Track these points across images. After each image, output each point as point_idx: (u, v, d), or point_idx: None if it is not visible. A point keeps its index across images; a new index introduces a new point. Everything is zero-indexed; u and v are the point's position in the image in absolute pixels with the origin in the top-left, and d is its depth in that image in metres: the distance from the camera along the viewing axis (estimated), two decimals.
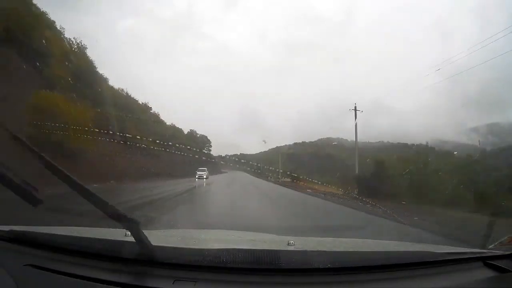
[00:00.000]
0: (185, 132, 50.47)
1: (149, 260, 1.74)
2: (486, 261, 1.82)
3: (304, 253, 2.08)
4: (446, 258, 1.80)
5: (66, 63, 24.71)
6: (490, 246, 1.91)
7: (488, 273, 1.78)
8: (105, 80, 31.78)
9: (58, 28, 28.34)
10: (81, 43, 28.45)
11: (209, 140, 56.56)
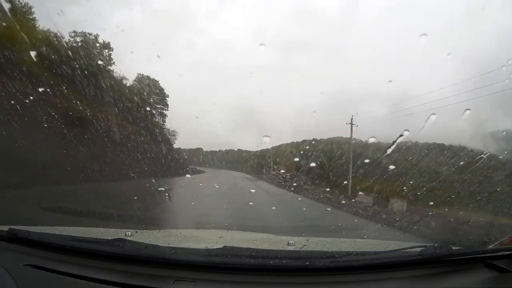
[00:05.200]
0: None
1: (149, 260, 1.74)
2: (486, 261, 1.82)
3: (304, 253, 2.08)
4: (447, 259, 1.80)
5: None
6: (490, 246, 1.91)
7: (489, 273, 1.78)
8: None
9: None
10: None
11: (164, 93, 31.02)
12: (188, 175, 21.98)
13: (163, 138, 27.28)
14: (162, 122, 32.73)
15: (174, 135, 34.38)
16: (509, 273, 1.73)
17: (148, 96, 29.80)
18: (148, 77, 30.19)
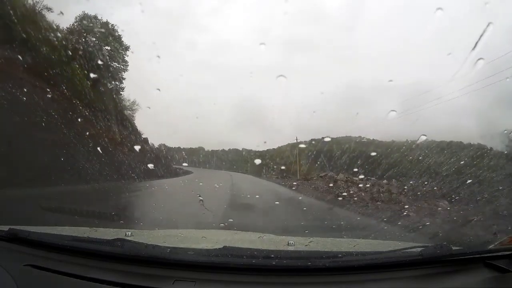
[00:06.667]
0: None
1: (149, 260, 1.74)
2: (486, 261, 1.82)
3: (304, 253, 2.08)
4: (447, 259, 1.80)
5: None
6: (490, 247, 1.91)
7: (489, 273, 1.78)
8: None
9: None
10: None
11: (121, 43, 20.57)
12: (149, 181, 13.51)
13: (118, 115, 16.16)
14: (117, 89, 20.33)
15: (133, 109, 21.35)
16: (509, 273, 1.73)
17: (95, 46, 17.84)
18: (95, 17, 19.07)
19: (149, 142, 22.16)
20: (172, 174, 20.04)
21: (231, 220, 5.91)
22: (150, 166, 14.71)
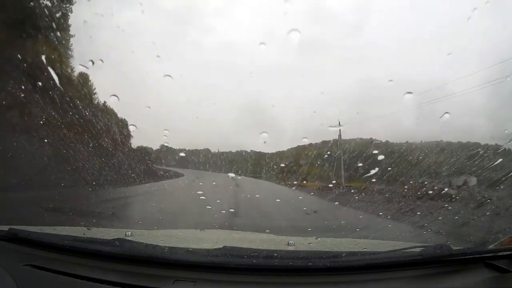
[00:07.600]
0: None
1: (149, 260, 1.74)
2: (486, 261, 1.82)
3: (304, 253, 2.08)
4: (447, 259, 1.80)
5: None
6: (490, 247, 1.91)
7: (489, 273, 1.78)
8: None
9: None
10: None
11: None
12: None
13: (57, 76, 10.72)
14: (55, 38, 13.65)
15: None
16: (509, 273, 1.73)
17: None
18: None
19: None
20: (151, 179, 15.19)
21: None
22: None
